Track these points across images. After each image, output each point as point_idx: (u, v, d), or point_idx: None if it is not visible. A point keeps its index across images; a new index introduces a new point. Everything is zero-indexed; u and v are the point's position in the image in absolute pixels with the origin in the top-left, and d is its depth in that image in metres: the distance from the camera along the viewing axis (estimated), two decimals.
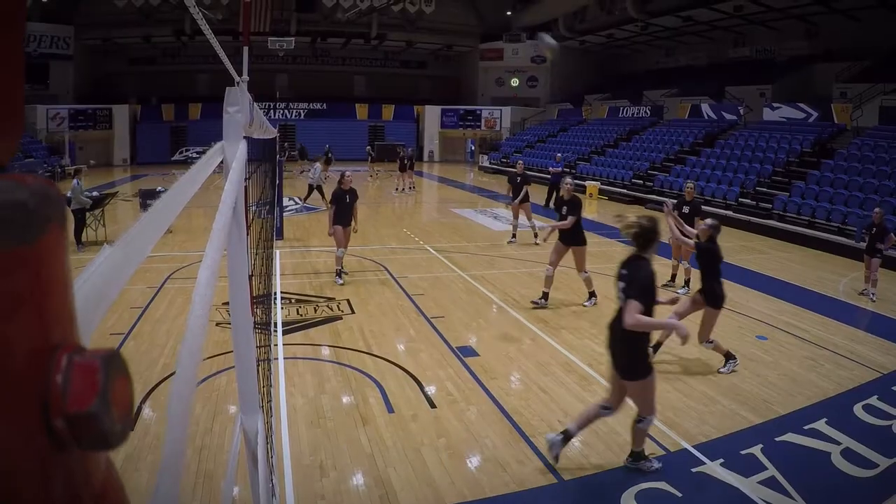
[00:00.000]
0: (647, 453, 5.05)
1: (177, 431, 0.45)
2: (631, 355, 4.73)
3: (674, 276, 10.69)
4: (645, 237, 4.70)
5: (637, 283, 4.55)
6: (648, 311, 4.57)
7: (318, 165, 18.78)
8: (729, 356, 7.17)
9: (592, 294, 9.63)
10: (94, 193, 13.76)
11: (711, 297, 7.00)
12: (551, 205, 20.66)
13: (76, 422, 0.32)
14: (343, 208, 10.18)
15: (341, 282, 10.35)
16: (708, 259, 7.11)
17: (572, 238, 9.48)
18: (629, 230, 4.74)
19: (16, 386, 0.30)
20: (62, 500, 0.32)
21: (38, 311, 0.32)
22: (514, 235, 14.53)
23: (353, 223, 10.37)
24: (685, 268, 10.32)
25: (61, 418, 0.32)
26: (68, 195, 12.16)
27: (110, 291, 0.55)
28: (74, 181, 12.45)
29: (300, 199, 19.52)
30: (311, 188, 18.36)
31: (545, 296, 9.53)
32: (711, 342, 7.09)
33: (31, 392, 0.32)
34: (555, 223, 9.57)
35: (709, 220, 7.41)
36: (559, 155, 22.94)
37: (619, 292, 4.70)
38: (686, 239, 7.64)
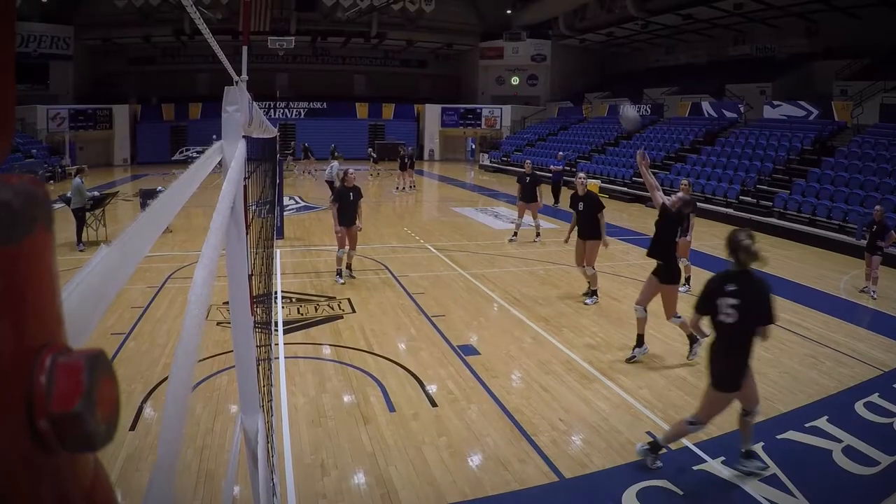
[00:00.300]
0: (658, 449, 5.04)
1: (172, 431, 0.45)
2: (734, 367, 4.76)
3: None
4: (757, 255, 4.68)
5: (767, 303, 4.59)
6: None
7: (335, 164, 18.88)
8: (693, 339, 7.32)
9: (594, 292, 9.62)
10: (95, 193, 13.76)
11: (667, 275, 7.27)
12: (559, 204, 20.68)
13: (60, 422, 0.32)
14: (347, 206, 10.15)
15: (342, 281, 10.35)
16: (666, 224, 7.28)
17: (589, 232, 9.53)
18: (753, 255, 4.66)
19: (0, 386, 0.30)
20: (50, 501, 0.32)
21: (23, 312, 0.32)
22: (515, 234, 14.52)
23: (357, 222, 10.33)
24: (685, 265, 10.31)
25: (45, 419, 0.32)
26: (68, 195, 12.17)
27: (108, 292, 0.54)
28: (77, 179, 12.43)
29: (301, 199, 19.56)
30: (331, 186, 18.47)
31: (593, 292, 9.71)
32: (679, 317, 7.29)
33: (15, 393, 0.31)
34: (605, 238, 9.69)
35: (681, 194, 7.76)
36: (560, 154, 22.91)
37: (729, 308, 4.63)
38: (655, 193, 7.59)
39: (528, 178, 14.08)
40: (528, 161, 16.03)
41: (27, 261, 0.32)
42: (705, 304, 4.78)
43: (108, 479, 0.39)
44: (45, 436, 0.32)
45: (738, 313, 4.58)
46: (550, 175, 21.64)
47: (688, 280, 10.36)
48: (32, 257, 0.33)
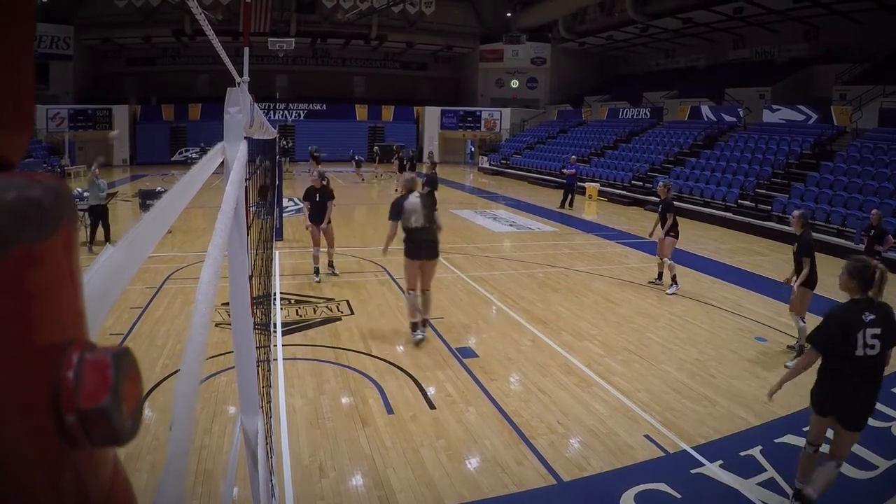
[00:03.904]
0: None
1: (182, 430, 0.45)
2: (869, 402, 4.35)
3: (660, 274, 10.82)
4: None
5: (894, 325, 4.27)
6: None
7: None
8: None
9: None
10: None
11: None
12: (566, 206, 20.70)
13: (88, 417, 0.33)
14: (314, 206, 10.42)
15: (317, 279, 10.50)
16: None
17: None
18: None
19: (28, 382, 0.31)
20: (71, 495, 0.33)
21: (50, 309, 0.33)
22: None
23: (325, 221, 10.46)
24: (668, 264, 10.43)
25: (73, 414, 0.33)
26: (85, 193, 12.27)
27: (112, 292, 0.55)
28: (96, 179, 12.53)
29: (300, 200, 19.57)
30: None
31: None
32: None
33: (43, 388, 0.32)
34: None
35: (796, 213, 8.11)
36: (573, 157, 22.89)
37: (872, 339, 4.17)
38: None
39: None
40: (358, 156, 15.75)
41: (55, 258, 0.33)
42: (843, 340, 4.18)
43: (126, 477, 0.39)
44: (71, 431, 0.33)
45: (881, 343, 4.18)
46: (565, 179, 21.66)
47: (674, 279, 10.46)
48: (60, 255, 0.33)
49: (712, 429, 5.77)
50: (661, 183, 11.13)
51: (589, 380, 6.85)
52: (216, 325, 7.64)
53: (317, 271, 10.61)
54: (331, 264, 11.04)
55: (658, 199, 10.89)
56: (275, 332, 7.51)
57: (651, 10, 30.10)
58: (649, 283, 10.94)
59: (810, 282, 7.88)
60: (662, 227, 10.43)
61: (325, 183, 10.60)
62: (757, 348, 8.02)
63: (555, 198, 21.99)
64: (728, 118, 25.77)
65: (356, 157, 27.77)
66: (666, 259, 10.48)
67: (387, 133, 39.78)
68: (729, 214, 18.27)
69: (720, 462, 5.17)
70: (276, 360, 6.77)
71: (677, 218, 10.56)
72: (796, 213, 8.11)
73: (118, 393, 0.34)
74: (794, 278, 7.99)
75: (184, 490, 0.45)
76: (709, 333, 8.54)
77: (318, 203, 10.40)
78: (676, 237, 10.46)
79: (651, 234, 11.00)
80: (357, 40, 38.74)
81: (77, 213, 0.36)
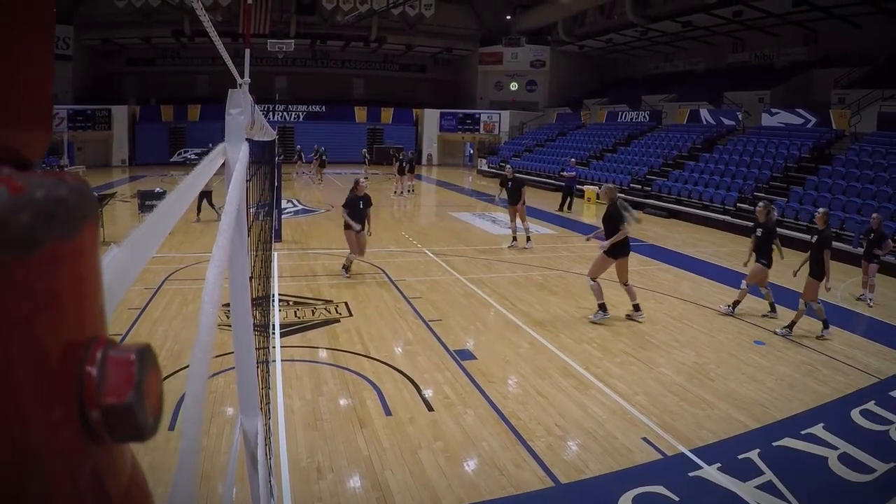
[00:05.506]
0: None
1: (193, 429, 0.45)
2: None
3: (736, 303, 9.52)
4: None
5: None
6: None
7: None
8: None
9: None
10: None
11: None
12: (565, 209, 20.74)
13: (112, 414, 0.33)
14: (356, 213, 10.58)
15: (347, 275, 10.85)
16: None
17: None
18: None
19: (52, 379, 0.31)
20: (91, 492, 0.33)
21: (74, 307, 0.33)
22: (514, 239, 14.45)
23: (367, 227, 10.80)
24: (742, 290, 9.41)
25: (97, 410, 0.33)
26: None
27: (117, 292, 0.55)
28: None
29: (299, 202, 19.62)
30: None
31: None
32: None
33: (67, 385, 0.32)
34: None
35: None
36: (573, 160, 22.96)
37: None
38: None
39: (510, 183, 14.05)
40: (510, 166, 15.96)
41: (78, 256, 0.33)
42: None
43: (143, 476, 0.40)
44: (95, 427, 0.33)
45: None
46: (563, 182, 21.75)
47: (771, 306, 9.48)
48: (83, 253, 0.34)
49: (710, 432, 5.78)
50: (760, 204, 9.58)
51: (587, 382, 6.85)
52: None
53: (346, 268, 11.04)
54: (346, 267, 11.19)
55: (759, 223, 9.35)
56: (273, 333, 7.51)
57: (651, 14, 30.15)
58: (764, 316, 9.48)
59: (818, 272, 8.44)
60: (758, 251, 9.25)
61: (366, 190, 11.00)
62: (755, 352, 8.03)
63: (554, 200, 21.99)
64: (727, 122, 25.79)
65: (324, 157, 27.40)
66: (743, 285, 9.34)
67: (386, 135, 39.80)
68: (727, 218, 18.27)
69: (718, 465, 5.17)
70: (274, 361, 6.77)
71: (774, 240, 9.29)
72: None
73: (142, 389, 0.34)
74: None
75: (197, 489, 0.46)
76: (707, 336, 8.55)
77: (364, 210, 10.68)
78: (768, 265, 9.16)
79: (746, 263, 9.64)
80: (357, 42, 38.75)
81: (98, 212, 0.36)
